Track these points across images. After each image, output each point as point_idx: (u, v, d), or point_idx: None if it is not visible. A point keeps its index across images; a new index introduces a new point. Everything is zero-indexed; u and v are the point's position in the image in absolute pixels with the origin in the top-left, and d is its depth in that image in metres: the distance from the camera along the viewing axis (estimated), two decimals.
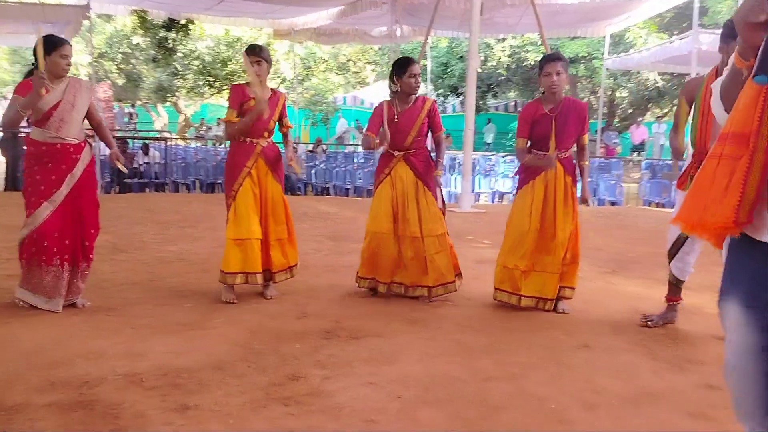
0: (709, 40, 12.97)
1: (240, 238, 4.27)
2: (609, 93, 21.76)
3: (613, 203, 13.52)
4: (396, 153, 4.48)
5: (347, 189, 15.22)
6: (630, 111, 24.93)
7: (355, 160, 16.15)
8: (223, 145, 17.23)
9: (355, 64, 25.82)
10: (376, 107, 4.54)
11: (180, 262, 5.66)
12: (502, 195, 14.81)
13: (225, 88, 21.55)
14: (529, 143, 4.29)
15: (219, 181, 14.80)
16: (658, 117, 25.15)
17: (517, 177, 4.55)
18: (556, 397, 2.83)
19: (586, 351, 3.50)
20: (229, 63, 21.16)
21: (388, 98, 4.54)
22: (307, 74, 24.53)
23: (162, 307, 4.16)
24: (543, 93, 4.27)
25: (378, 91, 27.93)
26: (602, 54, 18.19)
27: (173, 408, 2.64)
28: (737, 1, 17.15)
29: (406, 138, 4.44)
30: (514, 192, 4.64)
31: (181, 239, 6.81)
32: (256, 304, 4.34)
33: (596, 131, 20.19)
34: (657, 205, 13.78)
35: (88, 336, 3.51)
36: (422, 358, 3.33)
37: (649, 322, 3.92)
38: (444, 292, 4.49)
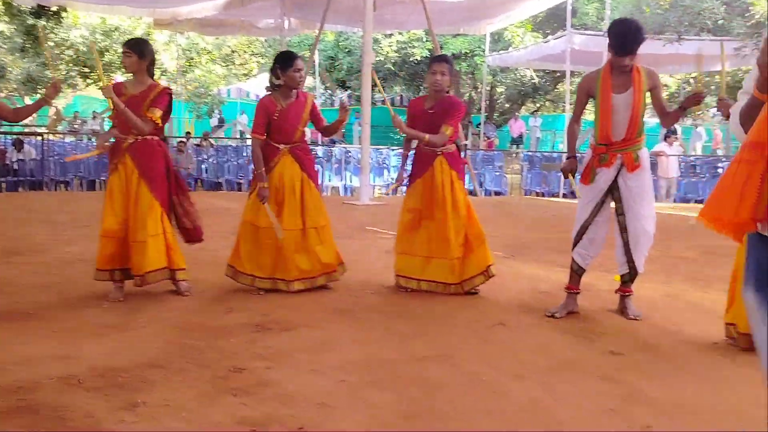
0: (580, 40, 14.06)
1: (102, 234, 4.25)
2: (489, 88, 22.84)
3: (498, 193, 14.32)
4: (282, 147, 4.47)
5: (239, 183, 15.00)
6: (507, 106, 26.35)
7: (245, 154, 15.93)
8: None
9: (240, 56, 25.30)
10: (259, 104, 4.46)
11: (83, 263, 5.42)
12: (396, 188, 15.26)
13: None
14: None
15: (103, 178, 14.11)
16: (533, 111, 26.77)
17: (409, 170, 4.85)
18: (486, 371, 3.10)
19: (504, 329, 3.82)
20: (106, 53, 20.04)
21: (268, 92, 4.49)
22: (189, 65, 23.75)
23: (79, 310, 4.03)
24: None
25: (263, 84, 27.63)
26: (483, 51, 19.14)
27: (121, 407, 2.63)
28: (603, 4, 18.63)
29: (295, 132, 4.50)
30: (407, 184, 4.85)
31: (78, 240, 6.51)
32: (177, 301, 4.30)
33: (478, 125, 21.20)
34: (537, 194, 14.76)
35: (12, 341, 3.36)
36: (357, 345, 3.49)
37: (555, 314, 4.06)
38: (326, 281, 4.62)
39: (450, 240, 4.48)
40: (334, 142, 20.61)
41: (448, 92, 4.56)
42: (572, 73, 15.32)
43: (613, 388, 2.94)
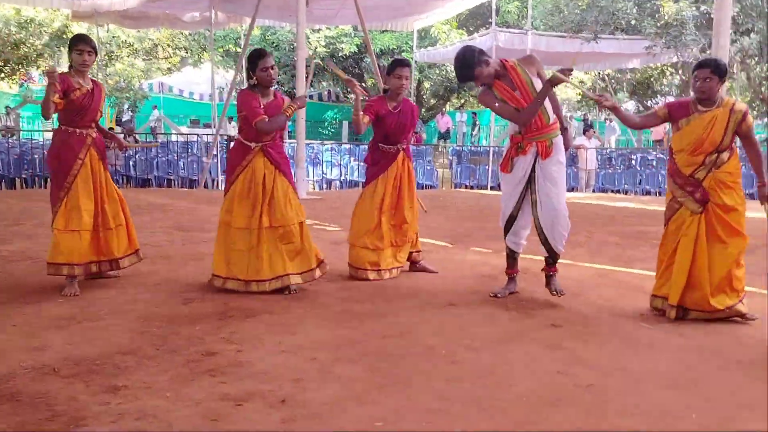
0: (504, 38, 14.65)
1: (72, 229, 4.30)
2: (416, 84, 23.28)
3: (430, 186, 14.73)
4: (254, 145, 4.39)
5: (170, 180, 14.76)
6: (433, 101, 26.93)
7: (174, 150, 15.66)
8: (15, 137, 15.68)
9: (163, 49, 24.66)
10: (244, 95, 4.35)
11: (25, 261, 5.34)
12: (330, 182, 15.39)
13: (16, 72, 19.46)
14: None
15: (24, 176, 13.54)
16: (458, 107, 27.46)
17: (366, 165, 5.07)
18: (443, 344, 3.37)
19: (454, 308, 4.10)
20: (21, 46, 19.10)
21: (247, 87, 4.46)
22: (110, 59, 22.97)
23: (34, 305, 4.02)
24: (386, 91, 4.81)
25: (188, 78, 26.98)
26: (411, 47, 19.53)
27: (102, 390, 2.73)
28: (524, 2, 19.37)
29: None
30: (364, 181, 5.08)
31: (14, 238, 6.35)
32: (134, 294, 4.35)
33: None
34: (467, 187, 15.29)
35: None
36: (320, 327, 3.68)
37: (498, 295, 4.35)
38: (304, 281, 4.44)
39: (413, 226, 4.97)
40: None
41: None
42: None
43: (557, 354, 3.26)
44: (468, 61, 4.06)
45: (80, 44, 4.27)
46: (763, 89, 14.96)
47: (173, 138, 18.08)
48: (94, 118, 4.40)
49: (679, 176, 3.90)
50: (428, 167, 15.30)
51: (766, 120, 19.44)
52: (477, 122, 23.37)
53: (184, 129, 20.89)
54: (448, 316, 3.94)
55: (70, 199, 4.27)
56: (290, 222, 4.42)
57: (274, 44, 22.69)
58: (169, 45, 23.75)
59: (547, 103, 4.11)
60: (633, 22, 13.52)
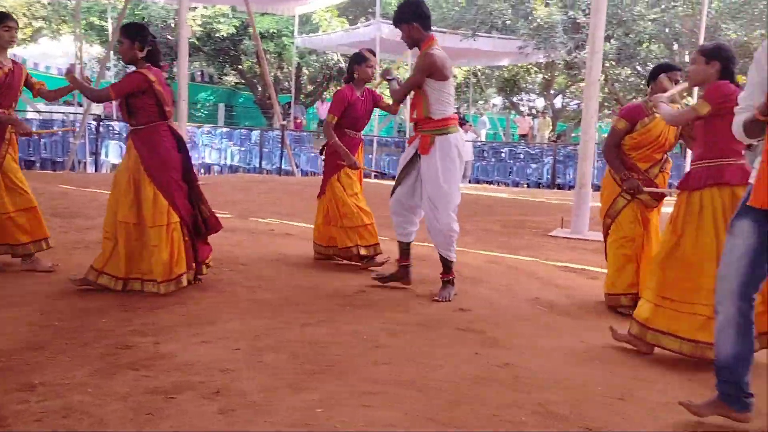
0: (388, 29, 14.90)
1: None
2: (295, 70, 23.05)
3: (314, 173, 14.71)
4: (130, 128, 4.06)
5: (31, 161, 13.63)
6: (311, 88, 26.80)
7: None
8: None
9: (18, 18, 22.46)
10: (136, 76, 3.94)
11: None
12: (209, 167, 14.91)
13: None
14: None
15: None
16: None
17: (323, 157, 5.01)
18: (364, 330, 3.46)
19: (366, 294, 4.21)
20: None
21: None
22: None
23: None
24: (354, 80, 4.82)
25: (44, 51, 24.85)
26: (291, 32, 19.31)
27: (18, 389, 2.55)
28: None
29: (122, 111, 4.17)
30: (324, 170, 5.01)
31: None
32: (29, 286, 4.07)
33: (287, 105, 21.37)
34: None
35: None
36: (235, 317, 3.64)
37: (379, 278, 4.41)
38: (166, 290, 3.94)
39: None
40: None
41: None
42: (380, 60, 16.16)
43: (470, 336, 3.47)
44: (425, 9, 4.09)
45: (9, 21, 4.11)
46: (617, 89, 16.40)
47: (29, 116, 16.63)
48: (15, 99, 4.28)
49: (637, 171, 4.02)
50: (312, 154, 15.27)
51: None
52: None
53: (41, 106, 19.27)
54: (362, 302, 4.03)
55: None
56: (154, 222, 3.95)
57: (145, 20, 21.46)
58: (24, 14, 21.70)
59: (435, 96, 4.00)
60: (508, 22, 14.29)
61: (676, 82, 3.90)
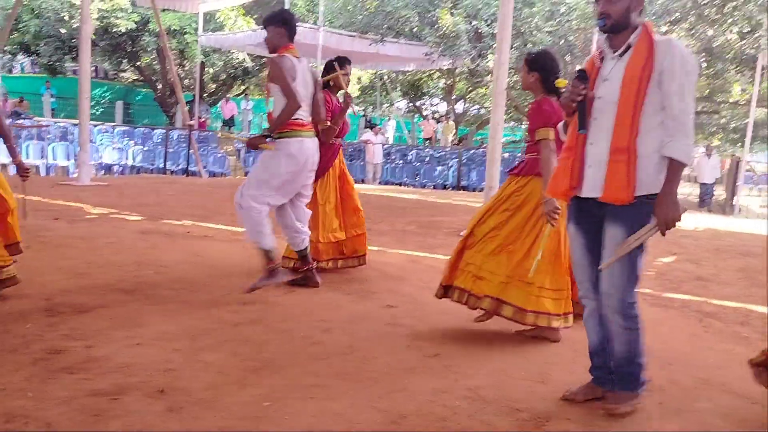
0: (299, 31, 14.92)
1: None
2: (199, 68, 22.49)
3: (222, 174, 14.48)
4: None
5: None
6: (213, 87, 26.22)
7: None
8: None
9: None
10: None
11: None
12: (108, 167, 14.30)
13: None
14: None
15: None
16: (237, 95, 27.04)
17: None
18: (299, 327, 3.58)
19: (295, 293, 4.31)
20: None
21: None
22: None
23: None
24: (330, 87, 4.78)
25: None
26: (195, 30, 18.86)
27: None
28: None
29: None
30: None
31: None
32: None
33: (190, 103, 20.81)
34: None
35: None
36: (166, 318, 3.64)
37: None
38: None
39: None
40: (19, 114, 18.28)
41: None
42: None
43: (399, 330, 3.67)
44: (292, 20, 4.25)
45: None
46: (514, 95, 17.21)
47: None
48: None
49: None
50: (219, 154, 15.02)
51: (512, 123, 22.53)
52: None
53: None
54: (291, 301, 4.13)
55: None
56: None
57: (35, 12, 20.26)
58: None
59: (278, 100, 4.08)
60: (415, 29, 14.71)
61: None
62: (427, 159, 17.43)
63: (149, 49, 21.76)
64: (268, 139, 4.18)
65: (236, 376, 2.86)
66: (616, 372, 2.69)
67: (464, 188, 15.66)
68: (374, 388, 2.82)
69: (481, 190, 15.38)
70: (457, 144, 21.77)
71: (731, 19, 12.80)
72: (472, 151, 17.43)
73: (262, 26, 4.19)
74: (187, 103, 20.86)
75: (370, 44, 14.73)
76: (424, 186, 16.12)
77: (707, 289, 5.31)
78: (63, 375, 2.78)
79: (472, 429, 2.48)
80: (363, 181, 15.04)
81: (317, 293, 4.37)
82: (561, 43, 13.67)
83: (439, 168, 16.62)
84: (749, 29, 12.86)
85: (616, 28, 2.53)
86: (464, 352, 3.37)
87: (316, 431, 2.41)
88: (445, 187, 16.02)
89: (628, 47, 2.53)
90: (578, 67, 2.75)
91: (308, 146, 4.21)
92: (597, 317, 2.70)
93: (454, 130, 22.71)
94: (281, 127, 4.11)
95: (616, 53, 2.56)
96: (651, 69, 2.45)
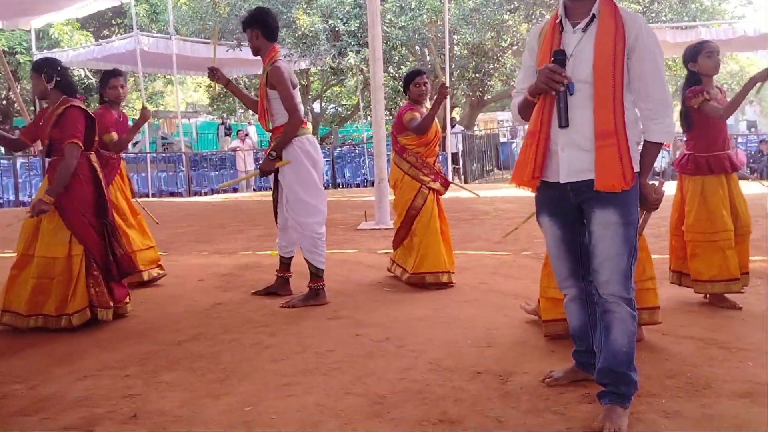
0: (149, 42, 14.39)
1: None
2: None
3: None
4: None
5: None
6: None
7: None
8: None
9: None
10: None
11: None
12: None
13: None
14: None
15: None
16: None
17: None
18: (244, 336, 3.60)
19: (222, 306, 4.30)
20: None
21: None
22: None
23: None
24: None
25: None
26: (26, 48, 17.48)
27: None
28: (152, 6, 19.04)
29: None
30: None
31: None
32: None
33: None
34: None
35: None
36: (105, 348, 3.51)
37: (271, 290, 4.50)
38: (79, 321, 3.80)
39: None
40: None
41: None
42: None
43: (344, 322, 3.81)
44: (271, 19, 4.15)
45: None
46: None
47: None
48: None
49: (426, 166, 4.64)
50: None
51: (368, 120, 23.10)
52: None
53: None
54: (227, 314, 4.11)
55: None
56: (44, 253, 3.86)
57: None
58: None
59: (276, 106, 4.09)
60: None
61: (424, 85, 4.61)
62: None
63: None
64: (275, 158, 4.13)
65: (205, 390, 2.86)
66: (615, 373, 2.39)
67: (340, 186, 15.90)
68: (343, 377, 2.94)
69: (357, 185, 15.77)
70: (321, 143, 21.93)
71: None
72: (338, 149, 17.66)
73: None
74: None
75: (227, 50, 14.48)
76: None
77: None
78: (21, 418, 2.64)
79: (449, 396, 2.69)
80: (235, 190, 14.80)
81: (245, 302, 4.37)
82: (416, 36, 14.26)
83: None
84: None
85: None
86: (410, 332, 3.58)
87: (308, 424, 2.50)
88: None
89: (593, 17, 2.35)
90: (526, 38, 2.62)
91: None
92: (580, 302, 2.59)
93: (312, 130, 22.82)
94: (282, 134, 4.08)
95: (578, 26, 2.37)
96: (624, 43, 2.29)
